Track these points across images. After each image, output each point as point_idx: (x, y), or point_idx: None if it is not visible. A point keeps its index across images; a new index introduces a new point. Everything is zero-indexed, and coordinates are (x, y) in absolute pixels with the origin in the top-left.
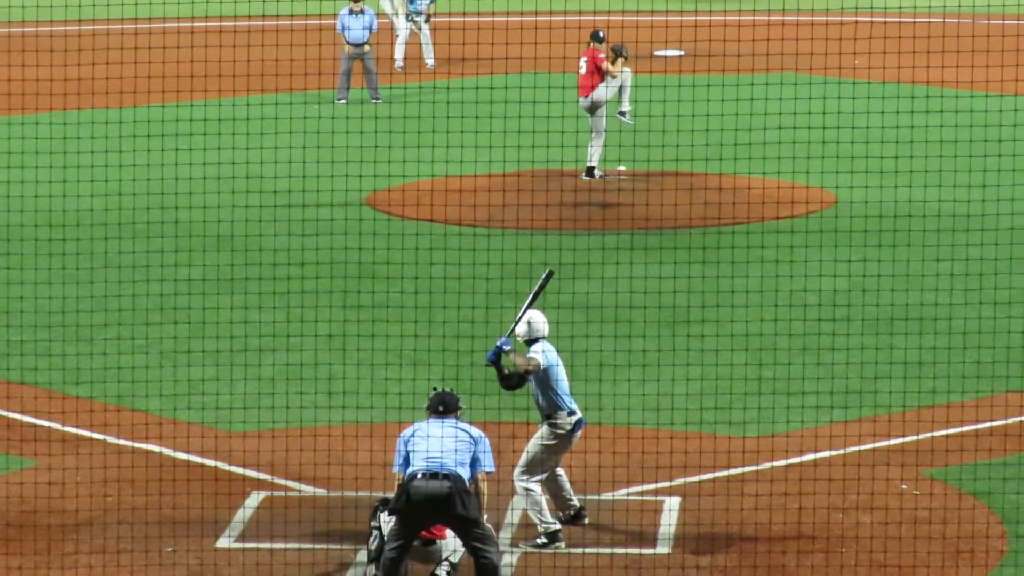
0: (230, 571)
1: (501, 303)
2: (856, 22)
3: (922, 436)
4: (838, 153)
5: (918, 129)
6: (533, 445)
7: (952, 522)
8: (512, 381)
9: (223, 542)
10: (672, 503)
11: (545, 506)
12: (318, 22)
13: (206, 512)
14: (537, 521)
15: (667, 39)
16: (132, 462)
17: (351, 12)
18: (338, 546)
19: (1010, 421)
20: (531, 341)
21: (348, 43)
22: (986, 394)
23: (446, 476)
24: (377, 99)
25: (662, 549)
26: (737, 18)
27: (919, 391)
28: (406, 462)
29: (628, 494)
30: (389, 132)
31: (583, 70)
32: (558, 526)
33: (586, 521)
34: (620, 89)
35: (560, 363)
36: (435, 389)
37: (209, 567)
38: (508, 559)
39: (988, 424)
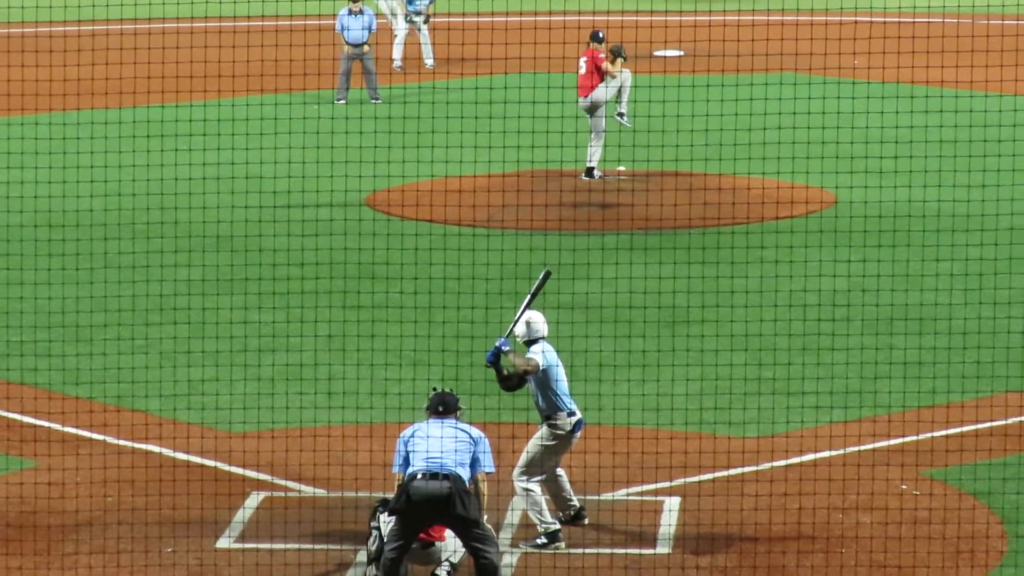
0: (230, 571)
1: (501, 303)
2: (856, 22)
3: (922, 436)
4: (838, 153)
5: (918, 129)
6: (532, 446)
7: (952, 522)
8: (511, 382)
9: (223, 542)
10: (672, 503)
11: (545, 506)
12: (317, 22)
13: (206, 512)
14: (537, 521)
15: (667, 39)
16: (132, 462)
17: (350, 12)
18: (338, 547)
19: (1010, 421)
20: (531, 342)
21: (347, 43)
22: (986, 394)
23: (446, 476)
24: (376, 99)
25: (662, 549)
26: (736, 18)
27: (919, 391)
28: (406, 462)
29: (628, 494)
30: (389, 132)
31: (583, 70)
32: (558, 526)
33: (586, 521)
34: (619, 90)
35: (560, 364)
36: (435, 389)
37: (209, 567)
38: (508, 559)
39: (988, 424)
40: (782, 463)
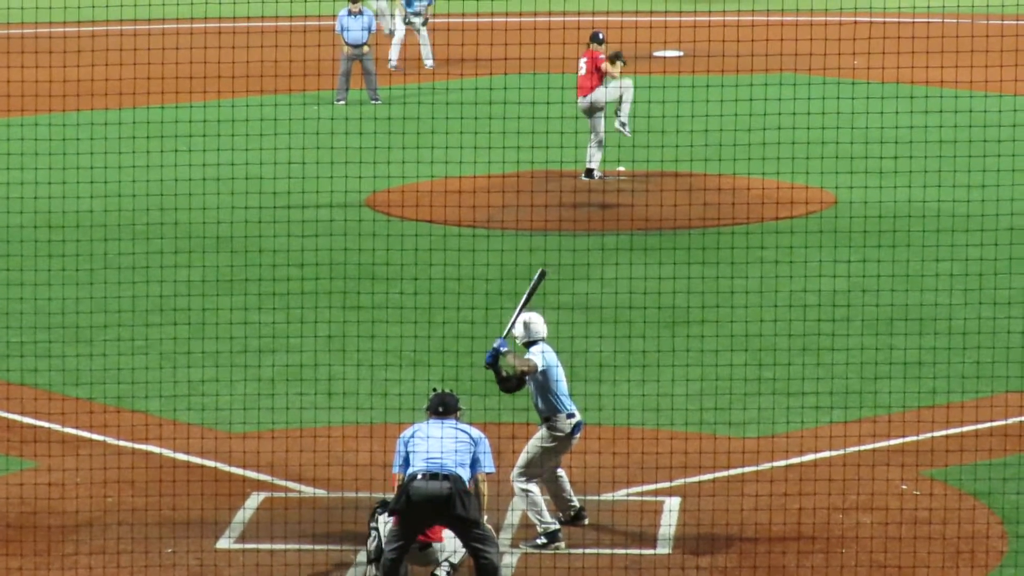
0: (230, 572)
1: (501, 304)
2: (855, 22)
3: (922, 436)
4: (837, 153)
5: (917, 129)
6: (531, 447)
7: (952, 522)
8: (511, 383)
9: (223, 543)
10: (672, 503)
11: (544, 506)
12: (317, 23)
13: (206, 513)
14: (536, 522)
15: (666, 40)
16: (132, 463)
17: (350, 13)
18: (338, 547)
19: (1010, 421)
20: (530, 343)
21: (347, 44)
22: (986, 394)
23: (446, 477)
24: (376, 100)
25: (662, 550)
26: (736, 19)
27: (919, 391)
28: (406, 463)
29: (628, 495)
30: (388, 133)
31: (582, 71)
32: (557, 526)
33: (586, 522)
34: (620, 98)
35: (559, 365)
36: (435, 390)
37: (209, 568)
38: (508, 560)
39: (988, 424)
40: (782, 463)
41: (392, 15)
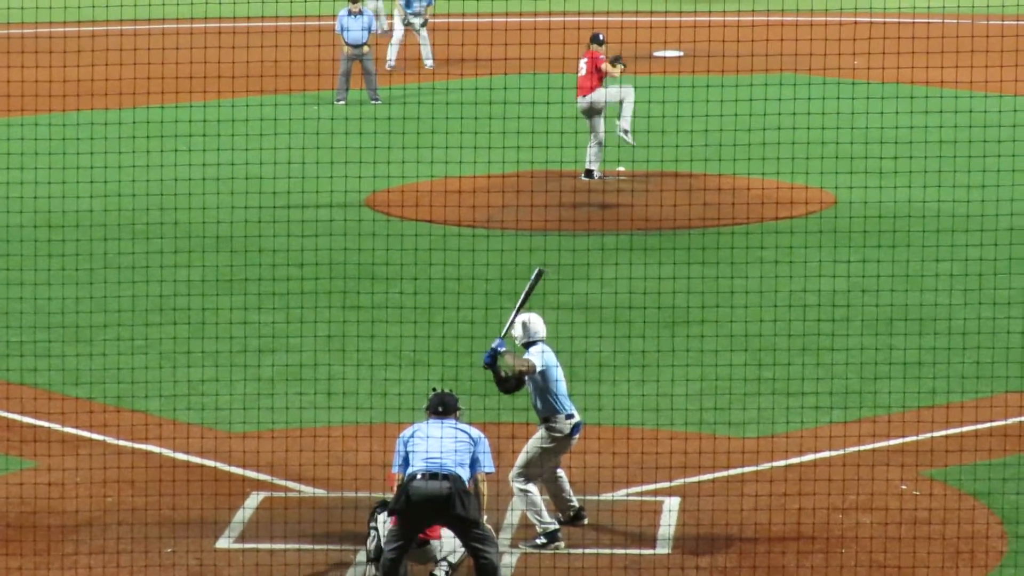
0: (230, 572)
1: (500, 304)
2: (855, 22)
3: (922, 436)
4: (837, 153)
5: (917, 129)
6: (531, 447)
7: (952, 522)
8: (509, 384)
9: (223, 543)
10: (672, 504)
11: (543, 506)
12: (317, 23)
13: (206, 513)
14: (535, 522)
15: (666, 40)
16: (132, 463)
17: (350, 13)
18: (338, 547)
19: (1010, 421)
20: (529, 344)
21: (347, 44)
22: (986, 394)
23: (445, 477)
24: (376, 100)
25: (662, 550)
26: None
27: (919, 391)
28: (405, 463)
29: (628, 495)
30: (388, 133)
31: (582, 71)
32: (556, 526)
33: (586, 522)
34: (621, 105)
35: (558, 365)
36: (434, 390)
37: (209, 568)
38: (508, 560)
39: (988, 424)
40: (782, 463)
41: (390, 15)
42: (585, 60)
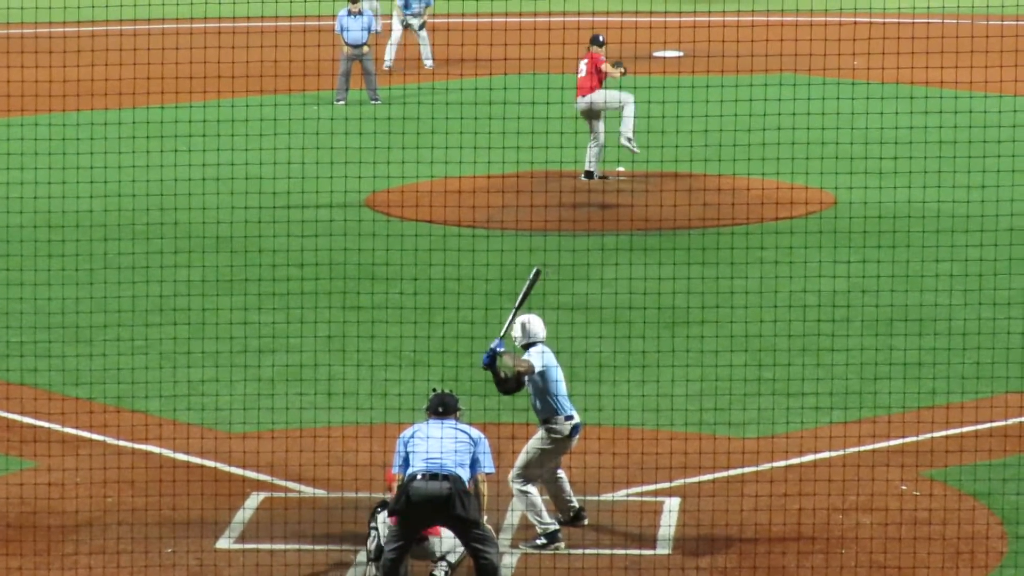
0: (230, 572)
1: (500, 304)
2: (855, 23)
3: (922, 437)
4: (837, 154)
5: (917, 130)
6: (530, 448)
7: (952, 523)
8: (509, 385)
9: (223, 543)
10: (672, 504)
11: (543, 507)
12: (317, 23)
13: (206, 513)
14: (535, 522)
15: (666, 40)
16: (132, 463)
17: (349, 13)
18: (338, 547)
19: (1010, 422)
20: (529, 345)
21: (347, 44)
22: (986, 395)
23: (446, 477)
24: (376, 100)
25: (662, 550)
26: (736, 19)
27: (919, 392)
28: (405, 463)
29: (628, 495)
30: (388, 133)
31: (582, 72)
32: (556, 527)
33: (586, 522)
34: (621, 112)
35: (558, 366)
36: (434, 390)
37: (209, 568)
38: (508, 560)
39: (988, 425)
40: (782, 464)
41: (388, 15)
42: (585, 61)
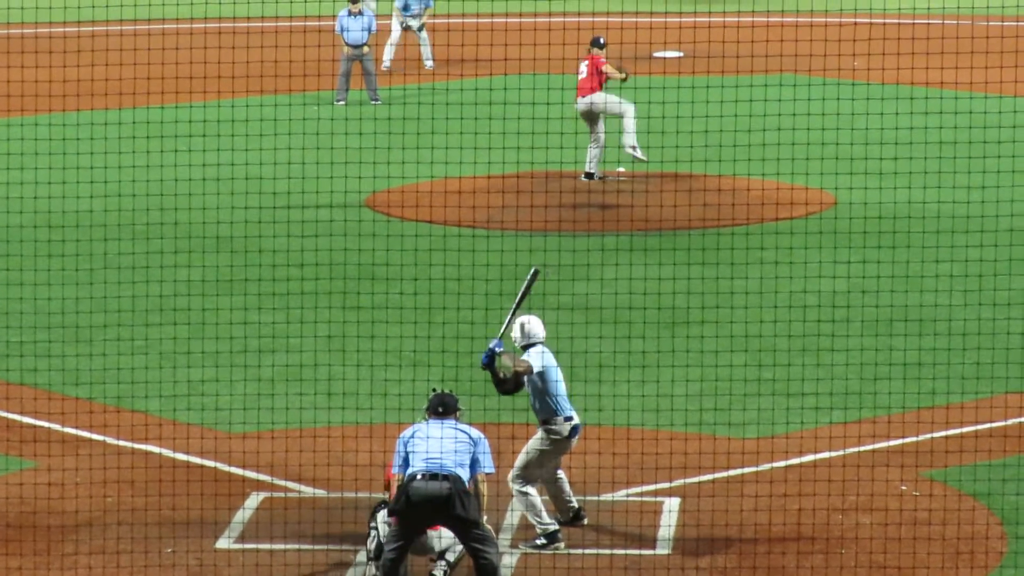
0: (229, 572)
1: (500, 304)
2: (855, 23)
3: (922, 437)
4: (837, 154)
5: (917, 130)
6: (530, 449)
7: (952, 523)
8: (507, 385)
9: (223, 543)
10: (672, 504)
11: (542, 508)
12: (317, 23)
13: (206, 513)
14: (535, 523)
15: (666, 40)
16: (132, 463)
17: (350, 13)
18: (338, 547)
19: (1010, 422)
20: (528, 346)
21: (347, 44)
22: (986, 395)
23: (445, 477)
24: (376, 100)
25: (662, 550)
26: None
27: (919, 392)
28: (405, 463)
29: (628, 495)
30: (388, 133)
31: (583, 74)
32: (556, 527)
33: (585, 522)
34: (622, 121)
35: (557, 367)
36: (434, 390)
37: (209, 568)
38: (508, 560)
39: (988, 425)
40: (782, 464)
41: (387, 15)
42: (586, 63)
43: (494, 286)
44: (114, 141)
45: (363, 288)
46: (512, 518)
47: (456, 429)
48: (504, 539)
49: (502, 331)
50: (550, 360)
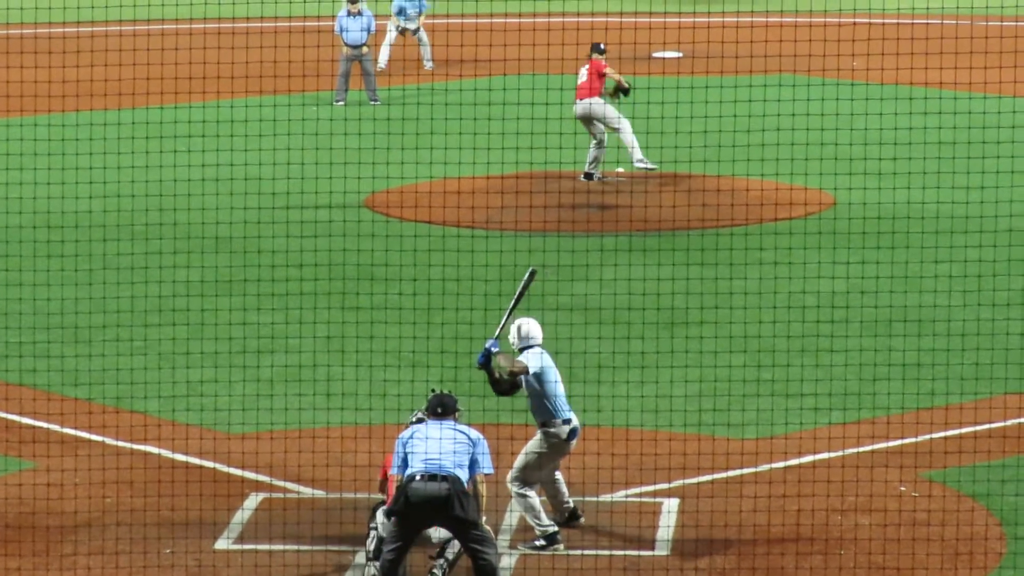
0: (228, 572)
1: (500, 305)
2: (855, 23)
3: (921, 438)
4: (836, 154)
5: (916, 130)
6: (528, 451)
7: (951, 524)
8: (503, 386)
9: (222, 544)
10: (671, 505)
11: (541, 509)
12: (316, 24)
13: (205, 514)
14: (534, 524)
15: (665, 41)
16: (131, 463)
17: (349, 14)
18: (337, 548)
19: (1009, 423)
20: (525, 348)
21: (346, 45)
22: (985, 396)
23: (444, 478)
24: (375, 101)
25: (660, 551)
26: (735, 19)
27: (918, 393)
28: (404, 464)
29: (627, 496)
30: (388, 134)
31: (583, 78)
32: (555, 528)
33: (582, 521)
34: (621, 138)
35: (555, 368)
36: (433, 391)
37: (208, 568)
38: (507, 561)
39: (987, 426)
40: (781, 465)
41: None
42: (586, 67)
43: (493, 286)
44: (113, 141)
45: (362, 288)
46: (511, 519)
47: (455, 430)
48: (503, 540)
49: (498, 331)
50: (548, 361)
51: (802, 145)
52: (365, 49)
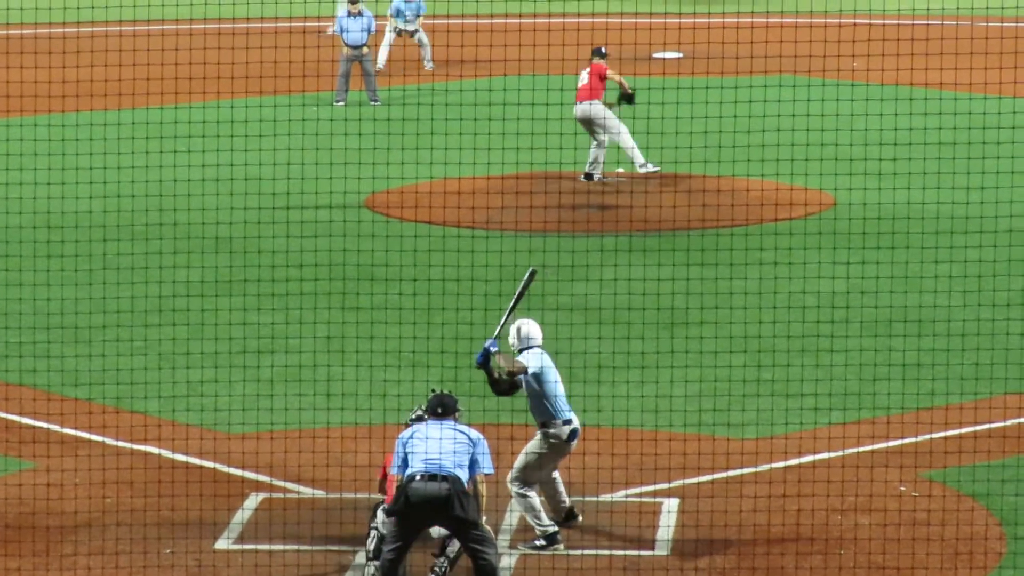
0: (229, 573)
1: (500, 305)
2: (855, 24)
3: (921, 438)
4: (837, 155)
5: (916, 131)
6: (528, 452)
7: (951, 524)
8: (502, 386)
9: (222, 544)
10: (671, 505)
11: (541, 509)
12: (317, 24)
13: (205, 514)
14: (534, 524)
15: (665, 41)
16: (131, 464)
17: (349, 14)
18: (337, 548)
19: (1009, 423)
20: (524, 349)
21: (346, 45)
22: (985, 396)
23: (444, 478)
24: (376, 101)
25: (660, 551)
26: (735, 20)
27: (918, 393)
28: (404, 464)
29: (627, 496)
30: (388, 134)
31: (583, 80)
32: (555, 528)
33: (580, 520)
34: (620, 140)
35: (555, 369)
36: (433, 391)
37: (208, 568)
38: (507, 561)
39: (987, 426)
40: (781, 465)
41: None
42: (587, 71)
43: (493, 287)
44: (113, 142)
45: (362, 289)
46: (511, 519)
47: (455, 430)
48: (503, 540)
49: (498, 331)
50: (547, 362)
51: (802, 145)
52: (365, 49)
